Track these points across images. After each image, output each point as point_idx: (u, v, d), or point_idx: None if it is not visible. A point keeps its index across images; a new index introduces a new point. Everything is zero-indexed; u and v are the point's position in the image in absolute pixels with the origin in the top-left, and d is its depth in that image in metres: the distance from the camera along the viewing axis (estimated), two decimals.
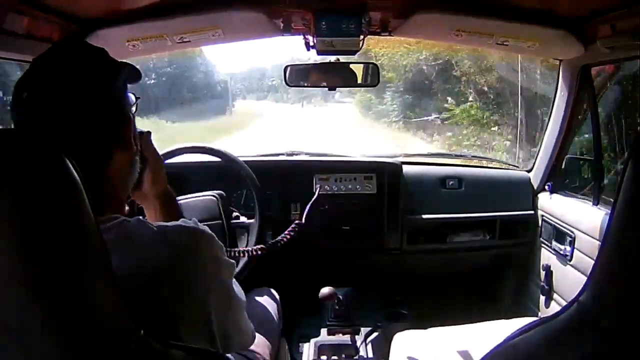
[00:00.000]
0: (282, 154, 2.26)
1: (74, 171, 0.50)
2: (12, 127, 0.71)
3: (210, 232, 0.76)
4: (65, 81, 0.70)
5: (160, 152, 1.68)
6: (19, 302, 0.47)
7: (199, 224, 0.76)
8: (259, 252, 1.50)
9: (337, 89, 1.99)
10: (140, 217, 0.72)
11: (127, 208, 0.86)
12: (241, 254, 1.48)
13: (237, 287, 0.85)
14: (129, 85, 0.80)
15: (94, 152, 0.71)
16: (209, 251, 0.74)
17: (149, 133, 0.97)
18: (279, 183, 2.02)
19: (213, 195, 1.63)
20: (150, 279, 0.66)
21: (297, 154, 2.25)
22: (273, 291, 1.70)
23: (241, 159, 1.71)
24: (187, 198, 1.63)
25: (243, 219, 1.71)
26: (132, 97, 0.81)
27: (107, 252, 0.53)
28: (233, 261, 0.82)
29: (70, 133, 0.68)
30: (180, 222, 0.75)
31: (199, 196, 1.64)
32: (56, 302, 0.48)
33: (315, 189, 2.00)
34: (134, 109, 0.82)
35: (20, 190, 0.46)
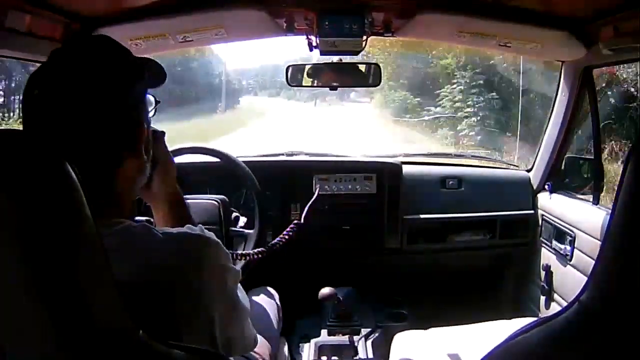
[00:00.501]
0: (282, 154, 2.26)
1: (72, 174, 0.49)
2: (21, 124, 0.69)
3: (216, 239, 0.75)
4: (81, 81, 0.66)
5: None
6: (18, 303, 0.47)
7: (205, 230, 0.75)
8: (259, 256, 1.50)
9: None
10: (146, 223, 0.71)
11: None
12: (240, 258, 1.48)
13: (241, 294, 0.84)
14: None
15: (104, 158, 0.69)
16: (214, 258, 0.73)
17: (162, 133, 0.94)
18: (278, 183, 2.02)
19: (215, 200, 1.63)
20: (155, 284, 0.65)
21: (296, 154, 2.25)
22: (272, 291, 1.70)
23: (241, 159, 1.71)
24: (188, 199, 1.63)
25: (243, 219, 1.71)
26: (152, 100, 0.79)
27: (107, 254, 0.53)
28: (238, 269, 0.81)
29: (80, 136, 0.66)
30: (185, 228, 0.74)
31: (201, 199, 1.64)
32: (55, 302, 0.48)
33: (315, 189, 2.01)
34: (152, 113, 0.79)
35: (17, 192, 0.46)
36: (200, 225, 0.77)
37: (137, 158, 0.74)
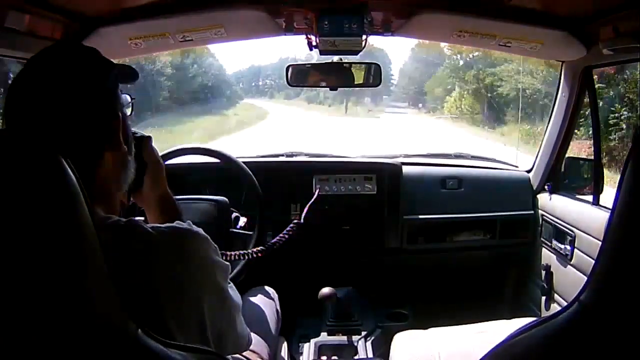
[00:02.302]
0: (282, 155, 2.26)
1: (70, 172, 0.50)
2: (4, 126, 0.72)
3: (204, 234, 0.77)
4: (55, 80, 0.70)
5: (160, 153, 1.69)
6: (17, 301, 0.47)
7: (192, 225, 0.77)
8: (258, 255, 1.50)
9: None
10: (134, 218, 0.73)
11: (127, 209, 0.87)
12: (240, 257, 1.48)
13: (233, 291, 0.85)
14: (125, 87, 0.81)
15: (84, 151, 0.71)
16: (202, 252, 0.74)
17: (149, 138, 0.99)
18: (279, 184, 2.02)
19: (215, 201, 1.63)
20: (144, 279, 0.66)
21: (296, 155, 2.26)
22: (272, 290, 1.70)
23: (241, 159, 1.71)
24: (189, 200, 1.63)
25: (243, 220, 1.71)
26: (127, 98, 0.82)
27: (104, 252, 0.53)
28: (227, 264, 0.82)
29: (59, 132, 0.68)
30: (174, 223, 0.75)
31: (201, 199, 1.64)
32: (53, 301, 0.48)
33: (316, 189, 2.01)
34: (128, 110, 0.82)
35: (15, 190, 0.46)
36: (188, 221, 0.78)
37: (116, 150, 0.76)
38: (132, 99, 0.83)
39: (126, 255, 0.67)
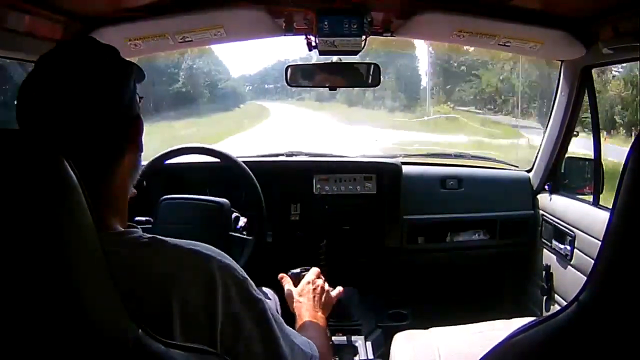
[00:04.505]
0: (282, 155, 2.26)
1: (70, 171, 0.49)
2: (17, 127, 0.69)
3: (229, 261, 0.74)
4: (77, 81, 0.68)
5: (160, 153, 1.70)
6: (15, 302, 0.47)
7: (221, 253, 0.74)
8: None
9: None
10: (157, 236, 0.71)
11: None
12: None
13: (260, 328, 0.75)
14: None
15: (106, 154, 0.70)
16: (223, 280, 0.71)
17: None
18: (278, 183, 2.02)
19: (217, 202, 1.62)
20: (157, 297, 0.65)
21: (296, 155, 2.25)
22: (270, 291, 1.69)
23: (241, 159, 1.71)
24: (190, 199, 1.62)
25: (243, 220, 1.70)
26: (137, 97, 0.80)
27: (105, 253, 0.53)
28: (258, 297, 0.76)
29: (82, 135, 0.67)
30: (199, 247, 0.73)
31: (203, 199, 1.64)
32: (51, 301, 0.48)
33: (317, 190, 2.00)
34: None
35: (14, 189, 0.46)
36: (219, 250, 0.75)
37: (136, 150, 0.76)
38: (140, 98, 0.81)
39: (145, 270, 0.66)
